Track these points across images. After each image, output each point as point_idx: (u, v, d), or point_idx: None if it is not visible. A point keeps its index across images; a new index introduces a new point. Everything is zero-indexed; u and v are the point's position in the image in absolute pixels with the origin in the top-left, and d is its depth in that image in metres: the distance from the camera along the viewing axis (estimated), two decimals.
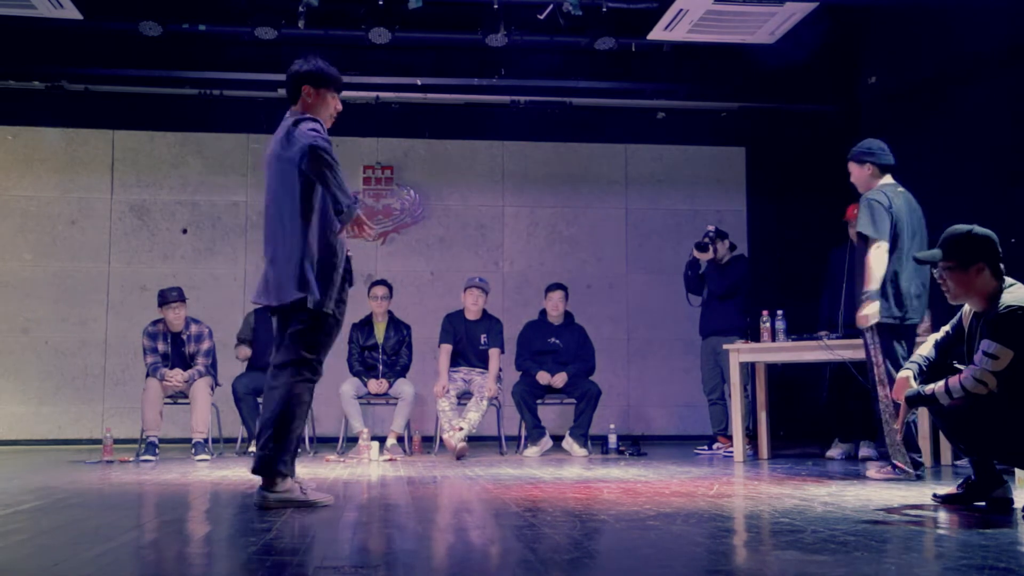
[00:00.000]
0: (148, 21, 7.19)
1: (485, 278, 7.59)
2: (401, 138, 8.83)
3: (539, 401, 7.34)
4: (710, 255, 7.28)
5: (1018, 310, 3.59)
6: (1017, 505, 3.79)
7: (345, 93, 8.04)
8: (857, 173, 5.37)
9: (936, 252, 3.81)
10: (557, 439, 7.41)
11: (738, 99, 8.73)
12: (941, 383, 3.73)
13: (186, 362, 6.98)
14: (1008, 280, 3.75)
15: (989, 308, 3.71)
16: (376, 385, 7.18)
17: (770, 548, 2.84)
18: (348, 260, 4.07)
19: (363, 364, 7.30)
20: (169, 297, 6.95)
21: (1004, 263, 3.77)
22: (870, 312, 4.99)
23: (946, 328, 4.02)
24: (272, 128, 4.22)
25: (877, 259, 5.02)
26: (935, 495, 3.96)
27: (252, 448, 6.95)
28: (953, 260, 3.75)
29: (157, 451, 6.66)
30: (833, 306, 6.43)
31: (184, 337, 6.99)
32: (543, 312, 7.62)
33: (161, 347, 6.96)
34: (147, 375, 6.91)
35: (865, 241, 5.08)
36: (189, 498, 4.48)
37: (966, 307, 3.91)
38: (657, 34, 7.48)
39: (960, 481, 3.97)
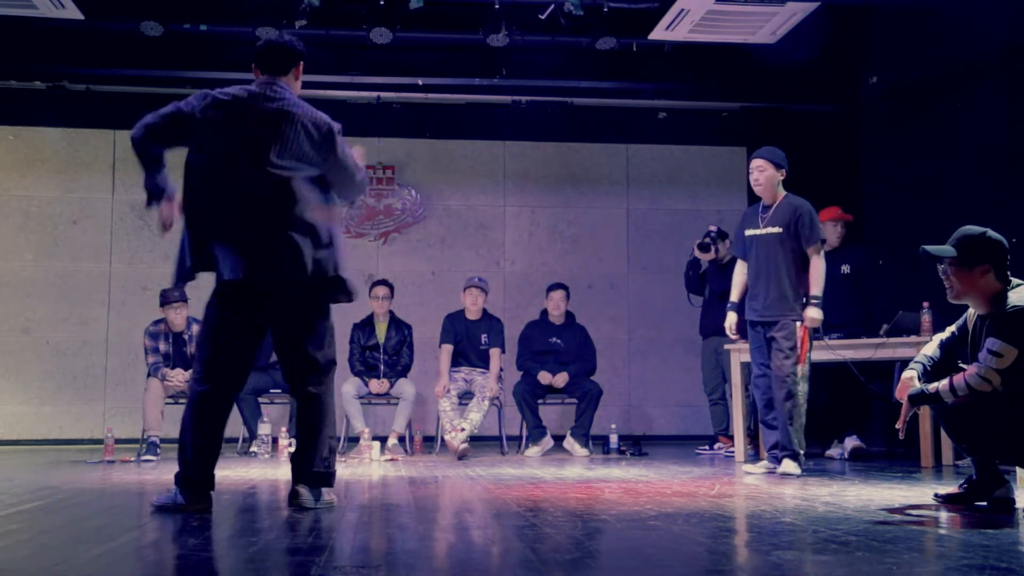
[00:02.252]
0: (149, 21, 7.20)
1: (485, 278, 7.60)
2: (402, 138, 8.83)
3: (540, 401, 7.34)
4: (712, 255, 7.28)
5: None
6: (1019, 505, 3.79)
7: (346, 93, 8.27)
8: (771, 174, 5.54)
9: (949, 248, 3.81)
10: (558, 439, 7.41)
11: (739, 99, 8.72)
12: (945, 381, 3.73)
13: (187, 362, 6.96)
14: (1015, 280, 3.75)
15: (994, 308, 3.72)
16: (377, 385, 7.18)
17: (771, 548, 2.83)
18: None
19: (364, 364, 7.30)
20: (171, 297, 6.94)
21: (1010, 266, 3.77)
22: (819, 316, 5.28)
23: (951, 328, 4.02)
24: None
25: (823, 267, 5.35)
26: (936, 495, 3.96)
27: (254, 448, 6.97)
28: (961, 259, 3.76)
29: (158, 451, 6.65)
30: (828, 307, 6.43)
31: (186, 337, 6.99)
32: (544, 312, 7.62)
33: (162, 347, 6.96)
34: (148, 375, 6.91)
35: (785, 243, 5.39)
36: None
37: (971, 308, 3.92)
38: (658, 34, 7.48)
39: (962, 480, 3.96)
